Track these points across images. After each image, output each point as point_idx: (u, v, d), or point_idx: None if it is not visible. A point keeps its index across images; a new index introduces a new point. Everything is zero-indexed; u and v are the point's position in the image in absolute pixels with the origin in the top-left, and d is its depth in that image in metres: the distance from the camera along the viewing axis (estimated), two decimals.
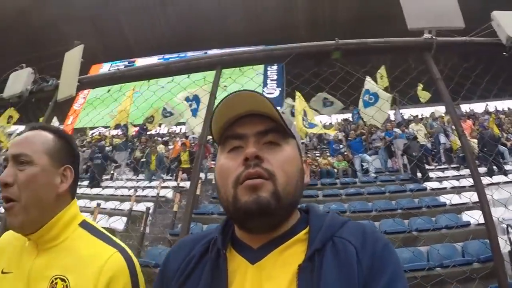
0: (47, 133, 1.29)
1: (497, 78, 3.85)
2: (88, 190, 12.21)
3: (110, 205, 10.24)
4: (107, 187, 12.49)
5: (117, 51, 28.31)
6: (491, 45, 2.83)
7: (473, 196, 3.67)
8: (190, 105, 6.45)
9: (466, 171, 10.44)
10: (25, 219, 1.15)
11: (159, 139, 18.06)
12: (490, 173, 9.97)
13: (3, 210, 1.19)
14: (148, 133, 17.92)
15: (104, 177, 13.77)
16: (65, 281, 1.09)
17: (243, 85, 3.37)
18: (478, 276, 3.96)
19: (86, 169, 14.95)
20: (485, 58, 3.62)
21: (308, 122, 9.98)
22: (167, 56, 26.14)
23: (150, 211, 9.33)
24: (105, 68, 28.53)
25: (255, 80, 3.92)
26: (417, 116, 16.70)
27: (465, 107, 19.96)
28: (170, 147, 15.92)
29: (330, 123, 19.03)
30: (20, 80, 3.54)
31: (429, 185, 9.81)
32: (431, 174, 11.07)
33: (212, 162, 13.01)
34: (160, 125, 18.52)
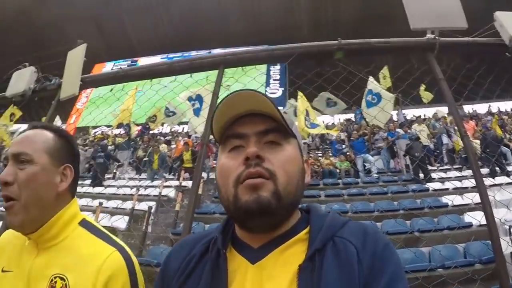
0: (48, 132, 1.29)
1: (500, 79, 3.84)
2: (90, 189, 12.22)
3: (112, 204, 10.30)
4: (109, 186, 12.48)
5: (120, 51, 28.38)
6: (494, 45, 2.82)
7: (475, 197, 3.66)
8: (193, 105, 6.47)
9: (468, 172, 10.43)
10: (25, 218, 1.15)
11: (162, 138, 18.06)
12: (492, 174, 9.96)
13: (3, 209, 1.20)
14: (151, 132, 17.96)
15: (107, 176, 13.78)
16: (64, 280, 1.09)
17: (245, 85, 3.36)
18: (480, 277, 3.96)
19: (89, 168, 14.98)
20: (488, 58, 3.61)
21: (310, 122, 9.99)
22: (170, 55, 26.21)
23: (152, 210, 9.35)
24: (108, 67, 28.61)
25: (257, 80, 3.92)
26: (419, 116, 16.67)
27: (468, 108, 19.94)
28: (173, 146, 15.93)
29: (333, 123, 19.01)
30: (23, 79, 3.54)
31: (431, 185, 9.79)
32: (434, 175, 11.06)
33: (214, 161, 12.96)
34: (162, 124, 18.58)
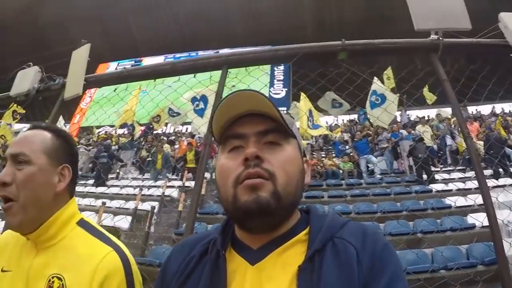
0: (46, 133, 1.30)
1: (504, 80, 3.82)
2: (93, 189, 12.26)
3: (115, 204, 10.31)
4: (112, 186, 12.51)
5: (124, 51, 28.46)
6: (498, 46, 2.81)
7: (478, 199, 3.65)
8: (197, 105, 6.48)
9: (472, 173, 10.36)
10: (24, 219, 1.16)
11: (165, 138, 18.08)
12: (496, 176, 9.93)
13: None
14: (154, 132, 17.99)
15: (110, 176, 13.79)
16: (62, 280, 1.10)
17: (249, 85, 3.38)
18: (482, 279, 3.95)
19: (92, 167, 15.01)
20: (492, 59, 3.60)
21: (312, 123, 9.99)
22: (175, 55, 26.25)
23: (155, 210, 9.35)
24: (112, 67, 28.68)
25: (261, 80, 3.92)
26: (423, 117, 16.63)
27: (472, 109, 19.87)
28: (176, 146, 15.94)
29: (336, 124, 19.01)
30: (27, 79, 3.55)
31: (435, 187, 9.78)
32: (437, 176, 11.03)
33: None
34: (166, 125, 18.61)
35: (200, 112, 6.43)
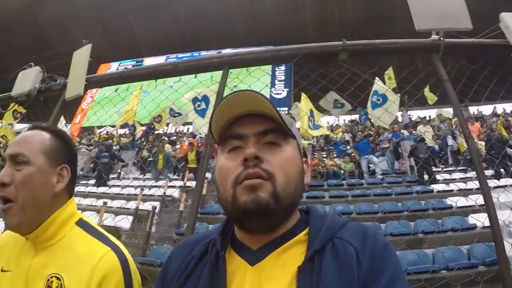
0: (45, 133, 1.30)
1: (505, 80, 3.82)
2: (94, 189, 12.27)
3: (117, 204, 10.33)
4: (113, 186, 12.53)
5: (126, 51, 28.52)
6: (500, 47, 2.81)
7: (479, 199, 3.65)
8: (199, 105, 6.50)
9: (473, 174, 10.35)
10: (23, 219, 1.16)
11: (166, 138, 18.09)
12: (497, 176, 9.91)
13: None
14: (156, 132, 18.01)
15: (111, 176, 13.81)
16: (60, 280, 1.10)
17: (250, 86, 3.38)
18: (483, 279, 3.94)
19: (93, 167, 15.03)
20: (493, 59, 3.60)
21: (313, 124, 10.00)
22: (177, 55, 26.28)
23: (156, 210, 9.36)
24: (113, 67, 28.70)
25: (262, 81, 3.92)
26: (424, 117, 16.62)
27: (473, 109, 19.85)
28: (177, 146, 15.95)
29: (337, 124, 19.00)
30: (29, 79, 3.56)
31: (436, 187, 9.77)
32: (438, 176, 11.01)
33: None
34: (167, 125, 18.62)
35: (201, 113, 6.45)
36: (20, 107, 4.45)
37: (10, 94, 3.66)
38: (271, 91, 23.70)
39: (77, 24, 26.51)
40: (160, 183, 12.27)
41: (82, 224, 1.27)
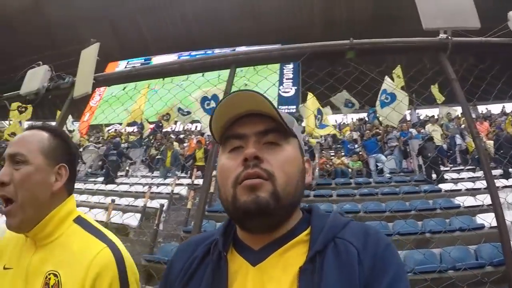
0: (43, 132, 1.32)
1: None
2: (103, 186, 12.35)
3: (124, 201, 10.39)
4: (121, 183, 12.58)
5: (134, 49, 28.63)
6: (508, 45, 2.79)
7: (487, 199, 3.63)
8: (208, 104, 6.53)
9: (481, 173, 10.28)
10: (23, 218, 1.18)
11: (173, 136, 18.14)
12: (505, 176, 9.85)
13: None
14: (164, 130, 18.06)
15: (119, 173, 13.87)
16: (57, 276, 1.12)
17: (257, 84, 3.39)
18: (489, 280, 3.92)
19: (102, 165, 15.11)
20: (501, 58, 3.57)
21: (320, 122, 10.00)
22: (184, 53, 26.33)
23: (164, 208, 9.39)
24: (121, 66, 28.81)
25: (270, 79, 3.92)
26: (433, 116, 16.53)
27: (481, 108, 19.72)
28: (185, 144, 15.99)
29: (344, 123, 18.96)
30: (37, 78, 3.57)
31: (444, 186, 9.72)
32: (446, 176, 10.95)
33: None
34: (175, 123, 18.68)
35: (210, 111, 6.49)
36: (19, 103, 4.45)
37: (19, 93, 3.68)
38: (279, 90, 23.68)
39: (85, 23, 26.63)
40: (168, 181, 12.32)
41: (80, 221, 1.29)
